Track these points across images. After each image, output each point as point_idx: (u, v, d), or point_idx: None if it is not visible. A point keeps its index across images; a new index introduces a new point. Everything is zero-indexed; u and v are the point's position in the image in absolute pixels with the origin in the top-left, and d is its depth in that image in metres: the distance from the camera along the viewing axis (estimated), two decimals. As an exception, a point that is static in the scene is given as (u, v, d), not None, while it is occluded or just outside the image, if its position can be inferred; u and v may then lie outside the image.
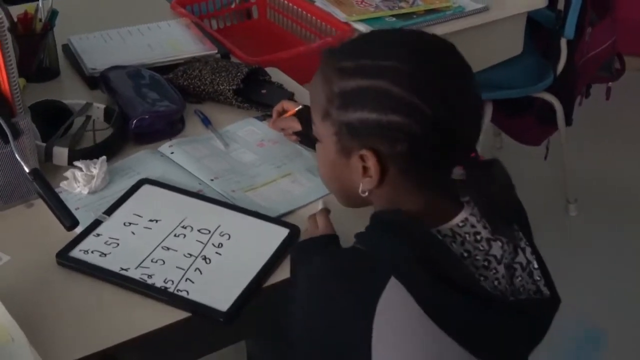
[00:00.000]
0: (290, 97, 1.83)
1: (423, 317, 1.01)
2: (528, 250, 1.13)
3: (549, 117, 2.72)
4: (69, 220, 1.29)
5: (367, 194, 1.12)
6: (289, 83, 1.91)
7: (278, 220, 1.47)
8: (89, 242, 1.40)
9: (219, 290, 1.32)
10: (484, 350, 1.05)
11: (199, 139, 1.71)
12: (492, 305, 1.05)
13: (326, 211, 1.36)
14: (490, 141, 3.22)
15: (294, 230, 1.44)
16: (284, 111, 1.68)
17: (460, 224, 1.10)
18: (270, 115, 1.78)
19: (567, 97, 2.69)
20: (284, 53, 2.05)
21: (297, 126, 1.62)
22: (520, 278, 1.12)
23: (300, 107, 1.65)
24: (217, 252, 1.39)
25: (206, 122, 1.77)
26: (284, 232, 1.44)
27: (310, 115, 1.56)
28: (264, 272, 1.36)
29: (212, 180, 1.57)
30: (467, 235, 1.09)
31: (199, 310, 1.29)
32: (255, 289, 1.33)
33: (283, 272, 1.37)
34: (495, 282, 1.09)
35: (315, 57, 1.20)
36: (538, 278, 1.13)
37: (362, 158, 1.09)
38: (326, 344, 1.06)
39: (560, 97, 2.67)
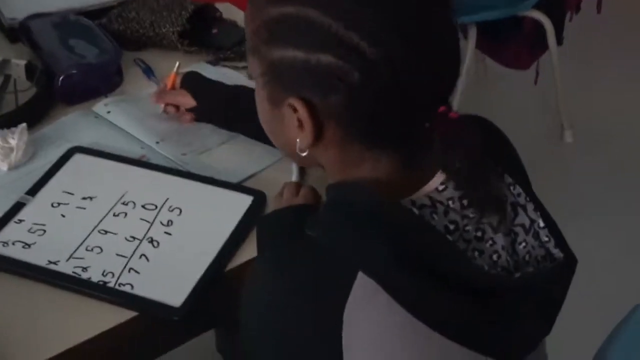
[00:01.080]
0: (243, 34, 1.56)
1: (406, 316, 0.79)
2: (530, 206, 0.90)
3: (538, 37, 2.46)
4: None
5: (306, 153, 0.88)
6: (240, 16, 1.64)
7: (239, 187, 1.22)
8: (9, 232, 1.15)
9: (170, 280, 1.08)
10: (489, 344, 0.83)
11: (140, 95, 1.44)
12: (494, 292, 0.82)
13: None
14: (473, 68, 2.97)
15: (259, 198, 1.19)
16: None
17: (440, 188, 0.85)
18: (225, 58, 1.52)
19: (557, 13, 2.44)
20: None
21: (190, 101, 1.33)
22: (524, 243, 0.89)
23: (184, 73, 1.37)
24: (166, 232, 1.14)
25: (148, 72, 1.50)
26: (247, 201, 1.19)
27: (197, 82, 1.34)
28: (225, 252, 1.12)
29: (157, 143, 1.32)
30: (450, 202, 0.85)
31: (146, 309, 1.05)
32: (215, 275, 1.09)
33: (250, 250, 1.13)
34: (494, 257, 0.86)
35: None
36: (546, 239, 0.89)
37: (292, 107, 0.84)
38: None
39: (549, 14, 2.41)
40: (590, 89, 2.90)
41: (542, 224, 0.90)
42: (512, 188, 0.90)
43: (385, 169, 0.86)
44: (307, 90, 0.83)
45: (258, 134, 1.28)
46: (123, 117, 1.37)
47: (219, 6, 1.64)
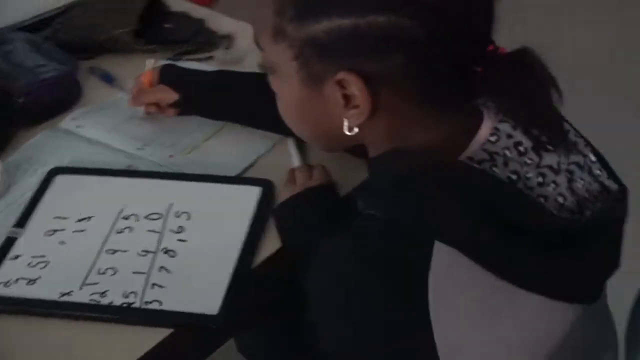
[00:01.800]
0: (202, 24, 1.49)
1: (485, 274, 0.74)
2: (580, 142, 0.86)
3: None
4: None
5: (356, 130, 0.81)
6: (196, 10, 1.56)
7: (243, 179, 1.15)
8: (8, 270, 1.05)
9: (199, 288, 1.00)
10: (569, 289, 0.79)
11: (108, 103, 1.35)
12: (567, 235, 0.78)
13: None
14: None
15: (267, 187, 1.12)
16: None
17: (492, 139, 0.80)
18: (187, 51, 1.44)
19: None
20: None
21: (172, 95, 1.23)
22: (582, 181, 0.84)
23: (159, 66, 1.28)
24: (179, 240, 1.06)
25: (108, 79, 1.40)
26: (255, 192, 1.12)
27: (176, 73, 1.25)
28: (248, 250, 1.04)
29: (139, 149, 1.23)
30: (506, 151, 0.80)
31: (182, 323, 0.97)
32: (243, 274, 1.02)
33: (271, 243, 1.06)
34: (560, 199, 0.81)
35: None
36: (599, 172, 0.86)
37: (340, 84, 0.77)
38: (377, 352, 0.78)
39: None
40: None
41: (593, 158, 0.86)
42: (566, 130, 0.85)
43: (437, 129, 0.80)
44: (359, 59, 0.76)
45: (250, 118, 1.22)
46: (96, 129, 1.27)
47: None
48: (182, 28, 1.48)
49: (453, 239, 0.74)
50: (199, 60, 1.43)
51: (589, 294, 0.83)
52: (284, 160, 1.19)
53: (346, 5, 0.75)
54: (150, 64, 1.28)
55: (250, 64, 1.36)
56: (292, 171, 1.13)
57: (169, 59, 1.43)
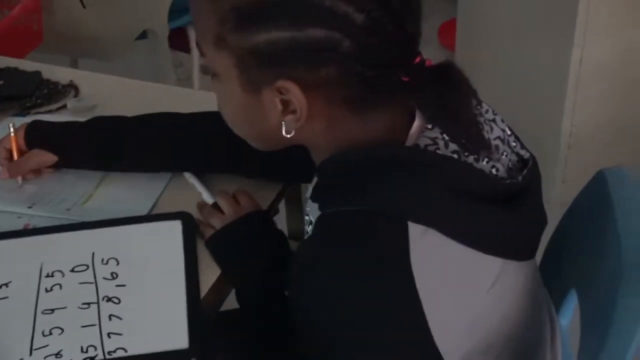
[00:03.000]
0: (38, 77, 1.43)
1: (457, 246, 0.83)
2: (498, 118, 0.98)
3: None
4: None
5: (293, 134, 0.87)
6: (19, 63, 1.49)
7: (159, 216, 1.14)
8: None
9: (158, 327, 0.98)
10: (516, 249, 0.90)
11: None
12: (513, 198, 0.89)
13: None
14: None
15: (187, 218, 1.12)
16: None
17: (429, 126, 0.89)
18: (35, 105, 1.38)
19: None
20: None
21: (50, 158, 1.20)
22: (505, 153, 0.96)
23: (26, 124, 1.22)
24: (117, 285, 1.03)
25: (-44, 145, 1.30)
26: (176, 226, 1.11)
27: (47, 133, 1.20)
28: (192, 280, 1.03)
29: (30, 207, 1.16)
30: (444, 135, 0.89)
31: (156, 363, 0.95)
32: (196, 304, 1.01)
33: (209, 271, 1.06)
34: (494, 171, 0.92)
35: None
36: (514, 144, 0.98)
37: (279, 91, 0.83)
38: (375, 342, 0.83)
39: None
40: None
41: (509, 132, 0.97)
42: (479, 107, 0.96)
43: (371, 126, 0.87)
44: (296, 69, 0.81)
45: (140, 164, 1.20)
46: (-31, 196, 1.18)
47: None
48: (19, 82, 1.42)
49: (424, 217, 0.80)
50: (49, 112, 1.37)
51: (532, 250, 0.95)
52: (184, 192, 1.19)
53: (284, 19, 0.79)
54: (11, 127, 1.21)
55: (103, 111, 1.33)
56: (205, 205, 1.14)
57: (15, 115, 1.37)
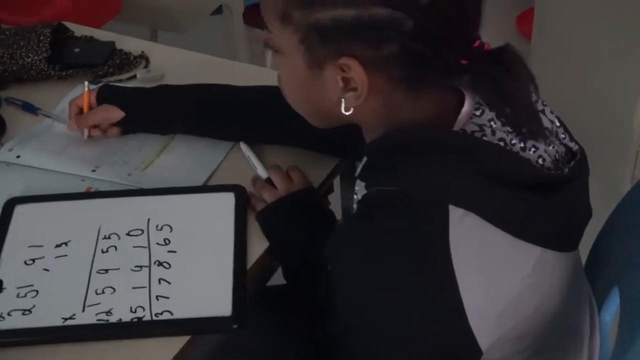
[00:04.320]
0: (113, 46, 1.48)
1: (496, 231, 0.83)
2: (547, 110, 0.98)
3: None
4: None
5: (351, 111, 0.89)
6: (96, 32, 1.54)
7: (214, 187, 1.17)
8: (-5, 306, 1.01)
9: (204, 294, 1.02)
10: (556, 238, 0.90)
11: (38, 130, 1.31)
12: (556, 189, 0.89)
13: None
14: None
15: (240, 191, 1.15)
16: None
17: (477, 113, 0.90)
18: (106, 73, 1.43)
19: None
20: (67, 1, 1.66)
21: (117, 114, 1.25)
22: (552, 144, 0.96)
23: (98, 86, 1.29)
24: (169, 251, 1.07)
25: (31, 108, 1.36)
26: (229, 198, 1.14)
27: (117, 93, 1.24)
28: (240, 251, 1.07)
29: (93, 171, 1.21)
30: (492, 123, 0.90)
31: (199, 328, 0.99)
32: (243, 274, 1.04)
33: (258, 244, 1.09)
34: (540, 161, 0.92)
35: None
36: (563, 136, 0.98)
37: (341, 68, 0.85)
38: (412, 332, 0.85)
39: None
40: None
41: (558, 123, 0.97)
42: (536, 94, 0.96)
43: (424, 106, 0.88)
44: (359, 46, 0.83)
45: (198, 129, 1.25)
46: (39, 157, 1.24)
47: (67, 24, 1.52)
48: (94, 51, 1.47)
49: (466, 201, 0.82)
50: (120, 80, 1.42)
51: (574, 242, 0.95)
52: (241, 164, 1.22)
53: None
54: (85, 86, 1.27)
55: (170, 82, 1.38)
56: (258, 179, 1.17)
57: (90, 82, 1.42)
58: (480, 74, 0.86)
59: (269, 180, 1.17)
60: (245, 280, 1.04)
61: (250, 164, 1.21)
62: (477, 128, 0.88)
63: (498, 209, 0.83)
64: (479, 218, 0.82)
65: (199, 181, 1.19)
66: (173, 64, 1.47)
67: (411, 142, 0.87)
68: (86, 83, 1.27)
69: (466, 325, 0.82)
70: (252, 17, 2.31)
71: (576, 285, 0.98)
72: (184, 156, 1.24)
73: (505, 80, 0.85)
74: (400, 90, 0.87)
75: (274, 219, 1.10)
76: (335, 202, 1.33)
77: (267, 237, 1.10)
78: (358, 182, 0.98)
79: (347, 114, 0.88)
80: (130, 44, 1.52)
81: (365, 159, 0.94)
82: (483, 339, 0.84)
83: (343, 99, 0.87)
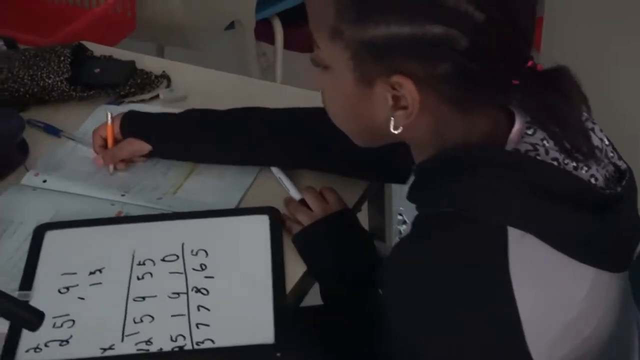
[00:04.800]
0: (132, 66, 1.46)
1: (553, 252, 0.82)
2: (597, 128, 0.96)
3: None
4: (34, 314, 0.87)
5: (401, 129, 0.87)
6: (114, 52, 1.52)
7: (247, 210, 1.16)
8: (31, 335, 0.98)
9: (245, 321, 1.00)
10: (610, 259, 0.89)
11: (63, 154, 1.29)
12: (610, 208, 0.87)
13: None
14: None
15: (274, 214, 1.13)
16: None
17: (529, 132, 0.88)
18: (128, 93, 1.41)
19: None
20: (83, 20, 1.64)
21: (143, 147, 1.23)
22: (603, 163, 0.95)
23: (122, 113, 1.25)
24: (206, 277, 1.05)
25: (53, 130, 1.34)
26: (263, 221, 1.12)
27: (143, 123, 1.23)
28: (278, 276, 1.05)
29: (123, 195, 1.19)
30: (545, 142, 0.88)
31: (241, 357, 0.97)
32: (283, 299, 1.02)
33: (295, 267, 1.07)
34: (593, 180, 0.91)
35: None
36: (612, 154, 0.96)
37: (392, 86, 0.83)
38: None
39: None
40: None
41: (607, 142, 0.96)
42: (589, 115, 0.94)
43: (475, 126, 0.86)
44: (412, 64, 0.81)
45: (221, 158, 1.23)
46: (66, 181, 1.22)
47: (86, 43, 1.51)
48: (114, 71, 1.45)
49: (525, 222, 0.80)
50: (142, 101, 1.40)
51: (626, 262, 0.93)
52: (271, 185, 1.21)
53: (405, 14, 0.79)
54: (108, 118, 1.24)
55: (193, 102, 1.36)
56: (291, 200, 1.16)
57: (109, 103, 1.40)
58: (532, 94, 0.84)
59: (302, 202, 1.15)
60: (286, 305, 1.02)
61: (281, 185, 1.20)
62: (530, 147, 0.86)
63: (555, 230, 0.82)
64: (537, 239, 0.81)
65: (230, 204, 1.17)
66: (194, 82, 1.45)
67: (466, 162, 0.85)
68: (109, 114, 1.24)
69: (525, 350, 0.81)
70: (262, 31, 2.29)
71: (627, 304, 0.96)
72: (212, 179, 1.22)
73: (558, 103, 0.84)
74: (451, 109, 0.85)
75: (312, 241, 1.08)
76: (362, 221, 1.31)
77: (305, 260, 1.08)
78: (404, 201, 0.96)
79: (396, 132, 0.86)
80: (149, 63, 1.50)
81: (412, 179, 0.93)
82: None
83: (392, 117, 0.85)
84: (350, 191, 1.19)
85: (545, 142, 0.87)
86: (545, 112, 0.85)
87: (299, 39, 2.48)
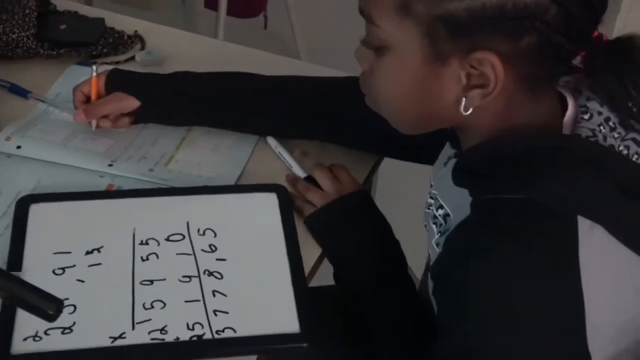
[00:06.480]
0: (102, 24, 1.34)
1: (619, 246, 0.78)
2: None
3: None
4: (51, 302, 0.76)
5: (470, 111, 0.80)
6: (81, 7, 1.40)
7: (252, 187, 1.07)
8: (27, 322, 0.88)
9: (265, 308, 0.92)
10: None
11: (34, 117, 1.17)
12: None
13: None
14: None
15: (282, 192, 1.06)
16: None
17: (586, 117, 0.84)
18: (100, 54, 1.29)
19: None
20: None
21: (131, 103, 1.12)
22: None
23: (106, 70, 1.15)
24: (217, 259, 0.97)
25: (20, 91, 1.21)
26: (271, 199, 1.05)
27: (131, 79, 1.14)
28: (295, 258, 0.98)
29: (110, 165, 1.09)
30: (602, 127, 0.84)
31: (267, 347, 0.89)
32: (303, 284, 0.95)
33: (310, 250, 1.00)
34: None
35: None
36: None
37: (470, 64, 0.76)
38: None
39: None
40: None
41: None
42: None
43: (538, 109, 0.82)
44: (497, 38, 0.75)
45: (218, 120, 1.14)
46: (43, 148, 1.10)
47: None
48: (82, 29, 1.33)
49: (595, 213, 0.76)
50: (117, 62, 1.29)
51: None
52: (269, 159, 1.13)
53: None
54: (93, 71, 1.13)
55: (171, 66, 1.26)
56: (298, 179, 1.08)
57: (78, 63, 1.28)
58: (598, 66, 0.81)
59: (308, 180, 1.08)
60: (306, 289, 0.95)
61: (282, 161, 1.12)
62: (590, 133, 0.82)
63: (621, 221, 0.78)
64: (605, 231, 0.77)
65: (230, 179, 1.09)
66: (168, 44, 1.34)
67: (528, 147, 0.80)
68: (94, 67, 1.13)
69: (584, 344, 0.77)
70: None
71: None
72: (206, 150, 1.13)
73: (627, 74, 0.81)
74: (524, 88, 0.79)
75: (328, 223, 1.01)
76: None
77: (319, 242, 1.01)
78: (439, 185, 0.90)
79: (465, 114, 0.79)
80: (125, 23, 1.38)
81: (454, 161, 0.87)
82: (597, 355, 0.79)
83: (465, 98, 0.78)
84: (357, 169, 1.12)
85: (602, 127, 0.83)
86: (618, 87, 0.81)
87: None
